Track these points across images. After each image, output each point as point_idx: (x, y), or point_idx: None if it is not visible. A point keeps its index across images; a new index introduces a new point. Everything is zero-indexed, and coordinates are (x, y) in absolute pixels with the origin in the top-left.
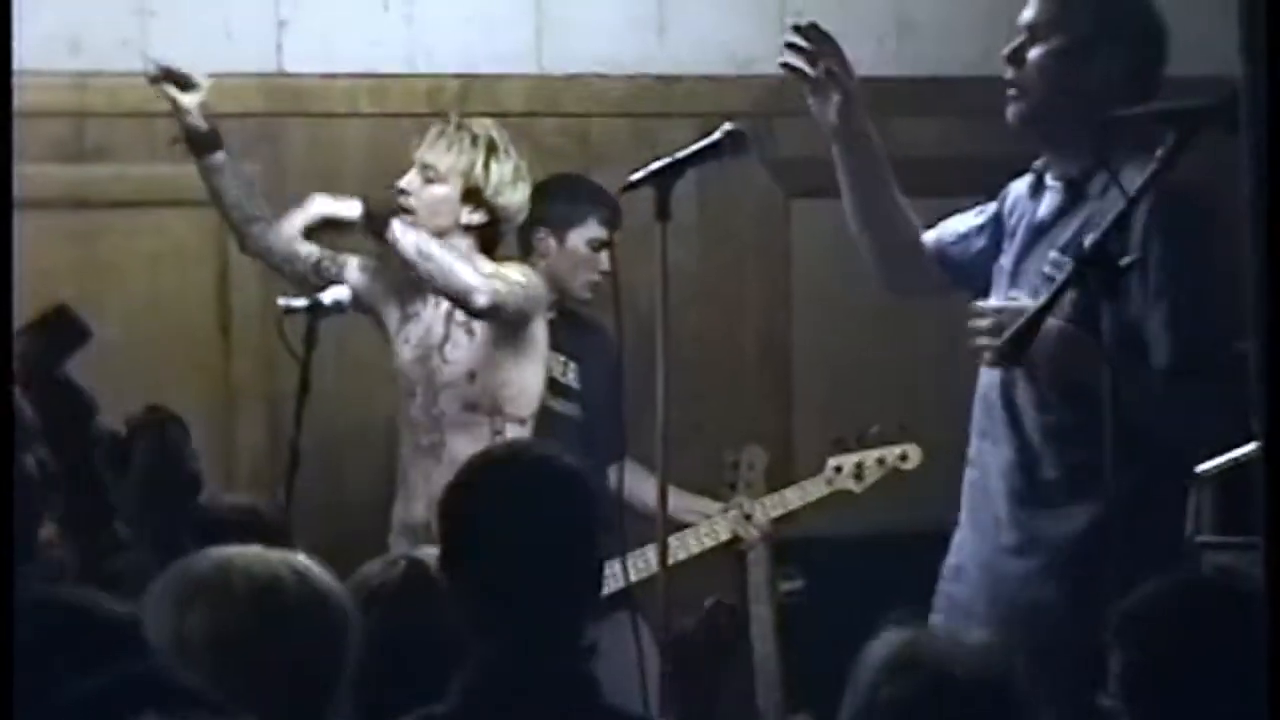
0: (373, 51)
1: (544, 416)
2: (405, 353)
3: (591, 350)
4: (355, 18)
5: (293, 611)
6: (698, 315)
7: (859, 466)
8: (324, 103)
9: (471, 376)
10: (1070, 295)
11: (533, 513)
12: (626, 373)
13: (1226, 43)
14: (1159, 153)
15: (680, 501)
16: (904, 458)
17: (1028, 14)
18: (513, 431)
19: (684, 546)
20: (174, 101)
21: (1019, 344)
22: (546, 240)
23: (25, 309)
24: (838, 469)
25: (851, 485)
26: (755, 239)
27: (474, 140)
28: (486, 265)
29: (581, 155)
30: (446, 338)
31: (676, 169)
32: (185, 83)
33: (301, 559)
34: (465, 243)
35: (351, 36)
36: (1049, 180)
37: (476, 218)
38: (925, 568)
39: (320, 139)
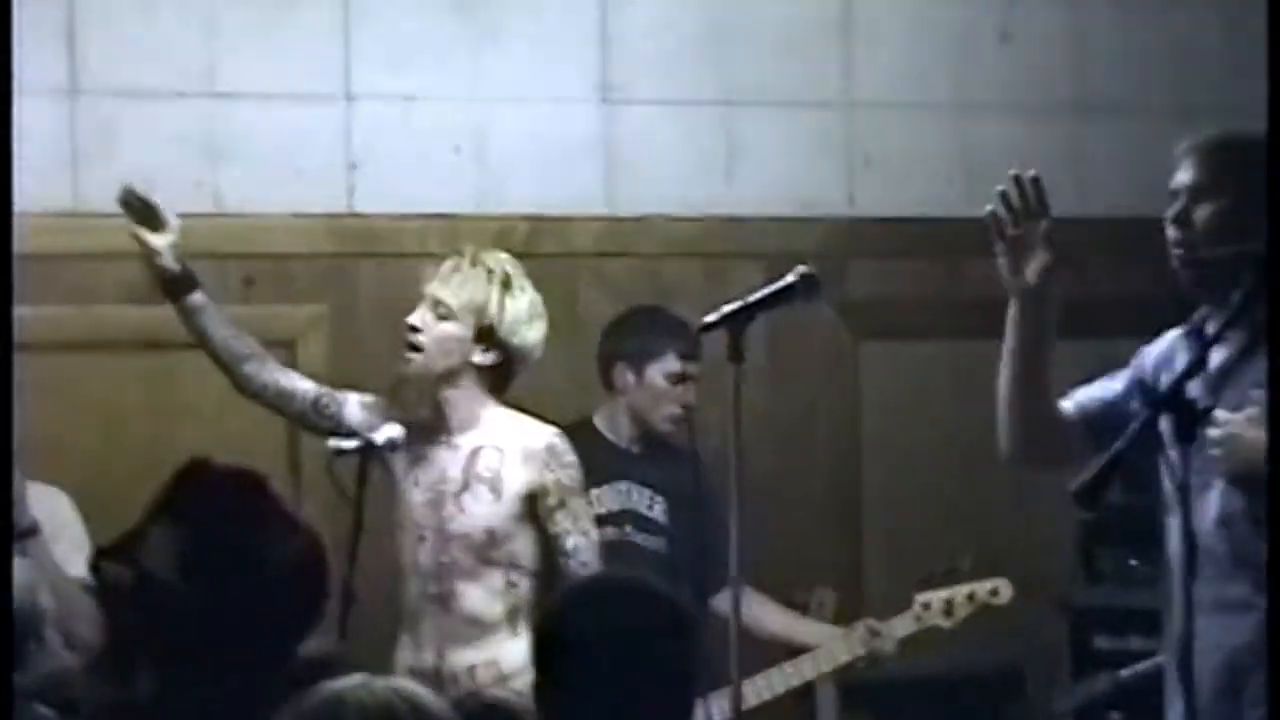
0: (443, 192)
1: (629, 550)
2: (415, 496)
3: (679, 484)
4: (426, 159)
5: None
6: (770, 455)
7: (948, 603)
8: (394, 243)
9: (490, 534)
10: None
11: (631, 643)
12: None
13: None
14: (1235, 295)
15: (800, 625)
16: (994, 593)
17: (1187, 175)
18: (526, 584)
19: (799, 673)
20: (144, 243)
21: (1098, 488)
22: (625, 375)
23: (101, 450)
24: (926, 605)
25: (941, 621)
26: (825, 380)
27: (489, 275)
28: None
29: (652, 295)
30: (466, 487)
31: (750, 310)
32: (155, 221)
33: (408, 684)
34: (477, 383)
35: (422, 177)
36: (1209, 330)
37: (489, 358)
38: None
39: (390, 279)
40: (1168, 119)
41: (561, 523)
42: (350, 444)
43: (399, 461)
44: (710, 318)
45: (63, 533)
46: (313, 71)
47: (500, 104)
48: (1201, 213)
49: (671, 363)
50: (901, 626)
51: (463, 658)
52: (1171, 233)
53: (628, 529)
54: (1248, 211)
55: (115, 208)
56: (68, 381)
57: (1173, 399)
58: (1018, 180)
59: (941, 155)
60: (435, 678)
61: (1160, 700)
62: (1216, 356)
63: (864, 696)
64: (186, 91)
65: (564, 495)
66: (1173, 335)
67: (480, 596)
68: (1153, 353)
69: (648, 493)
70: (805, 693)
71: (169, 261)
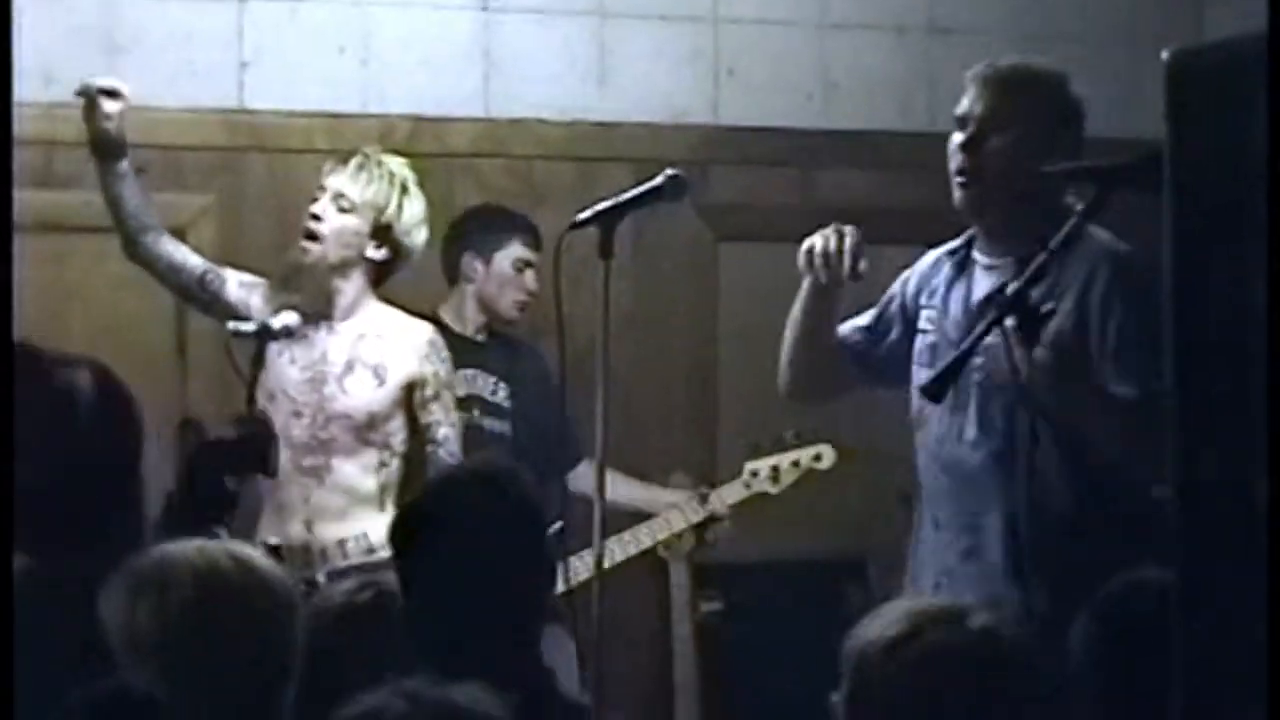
0: (329, 92)
1: (475, 434)
2: (290, 372)
3: (522, 371)
4: (314, 59)
5: (234, 598)
6: (633, 346)
7: (775, 469)
8: (282, 139)
9: (371, 416)
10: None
11: (491, 530)
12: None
13: (1145, 106)
14: (1079, 207)
15: (642, 493)
16: (818, 458)
17: (972, 105)
18: (395, 465)
19: (636, 540)
20: (98, 107)
21: (943, 383)
22: (474, 264)
23: None
24: (754, 473)
25: (769, 487)
26: (686, 277)
27: (390, 177)
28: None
29: (526, 195)
30: (349, 370)
31: (620, 209)
32: (112, 93)
33: (243, 547)
34: (365, 275)
35: (310, 77)
36: (980, 259)
37: (381, 253)
38: (842, 595)
39: (277, 173)
40: (1017, 41)
41: (435, 413)
42: (248, 327)
43: (278, 342)
44: (582, 215)
45: None
46: None
47: (385, 8)
48: (992, 142)
49: (518, 249)
50: (731, 493)
51: (333, 530)
52: (958, 159)
53: (475, 413)
54: (1034, 142)
55: (15, 95)
56: None
57: (1016, 301)
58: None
59: (802, 70)
60: (304, 551)
61: None
62: (980, 285)
63: (715, 577)
64: None
65: (439, 388)
66: (934, 256)
67: (354, 472)
68: (914, 274)
69: (492, 379)
70: (661, 573)
71: (114, 125)
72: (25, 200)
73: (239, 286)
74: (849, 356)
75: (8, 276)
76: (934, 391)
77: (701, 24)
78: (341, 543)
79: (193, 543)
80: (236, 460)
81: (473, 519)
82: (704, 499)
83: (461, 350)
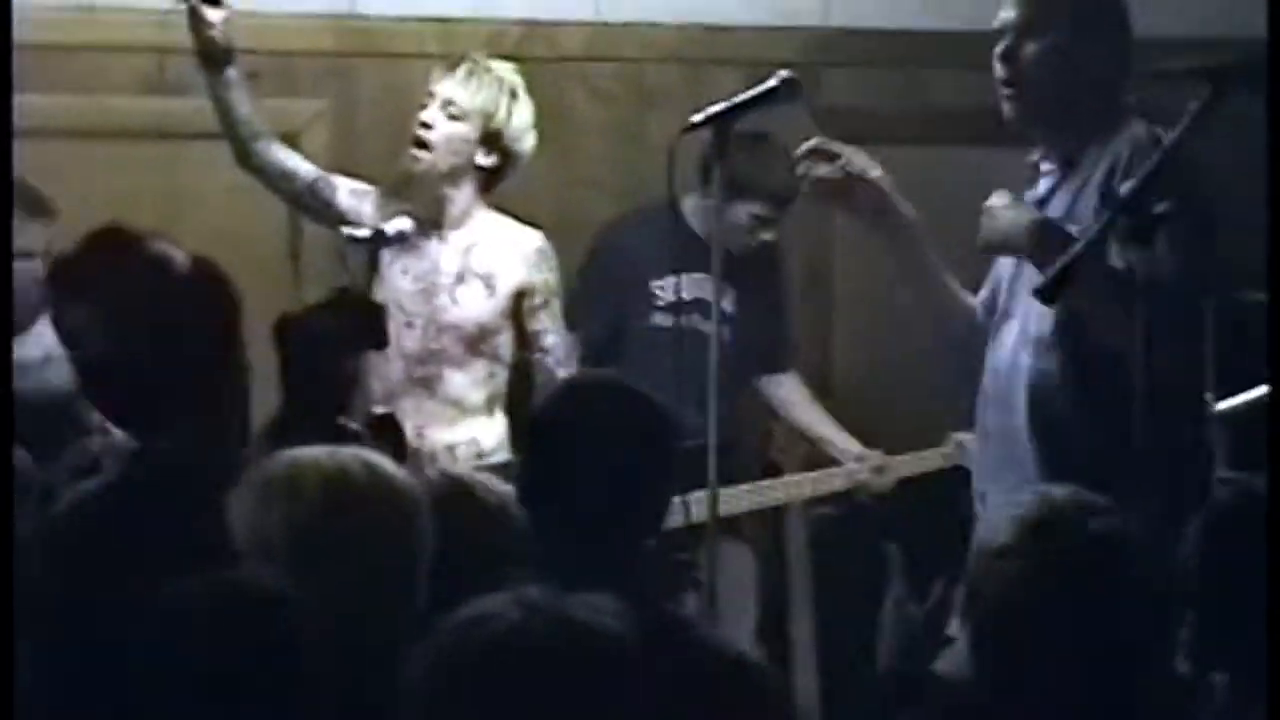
0: None
1: (696, 338)
2: (403, 283)
3: (747, 277)
4: None
5: (363, 503)
6: None
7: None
8: (393, 44)
9: (481, 327)
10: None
11: (612, 436)
12: None
13: (1250, 7)
14: (1192, 106)
15: (827, 431)
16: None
17: (1010, 14)
18: (502, 375)
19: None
20: (201, 14)
21: (1060, 283)
22: (711, 199)
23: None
24: (959, 444)
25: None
26: None
27: (499, 83)
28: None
29: (636, 100)
30: (461, 280)
31: (735, 112)
32: (215, 1)
33: (370, 454)
34: (474, 183)
35: None
36: (1044, 166)
37: (490, 160)
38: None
39: (388, 79)
40: None
41: (543, 321)
42: (362, 233)
43: (385, 250)
44: (696, 118)
45: None
46: None
47: None
48: (1029, 49)
49: (758, 206)
50: (913, 465)
51: (443, 436)
52: (999, 69)
53: (696, 317)
54: (1073, 46)
55: (127, 2)
56: (82, 168)
57: (1132, 201)
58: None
59: None
60: (414, 456)
61: None
62: (1041, 189)
63: (829, 527)
64: None
65: (548, 296)
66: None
67: (464, 383)
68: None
69: (733, 292)
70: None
71: (219, 33)
72: (137, 107)
73: (350, 194)
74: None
75: (8, 276)
76: (1049, 293)
77: None
78: (451, 448)
79: (323, 449)
80: (347, 332)
81: (598, 425)
82: (879, 470)
83: (695, 250)
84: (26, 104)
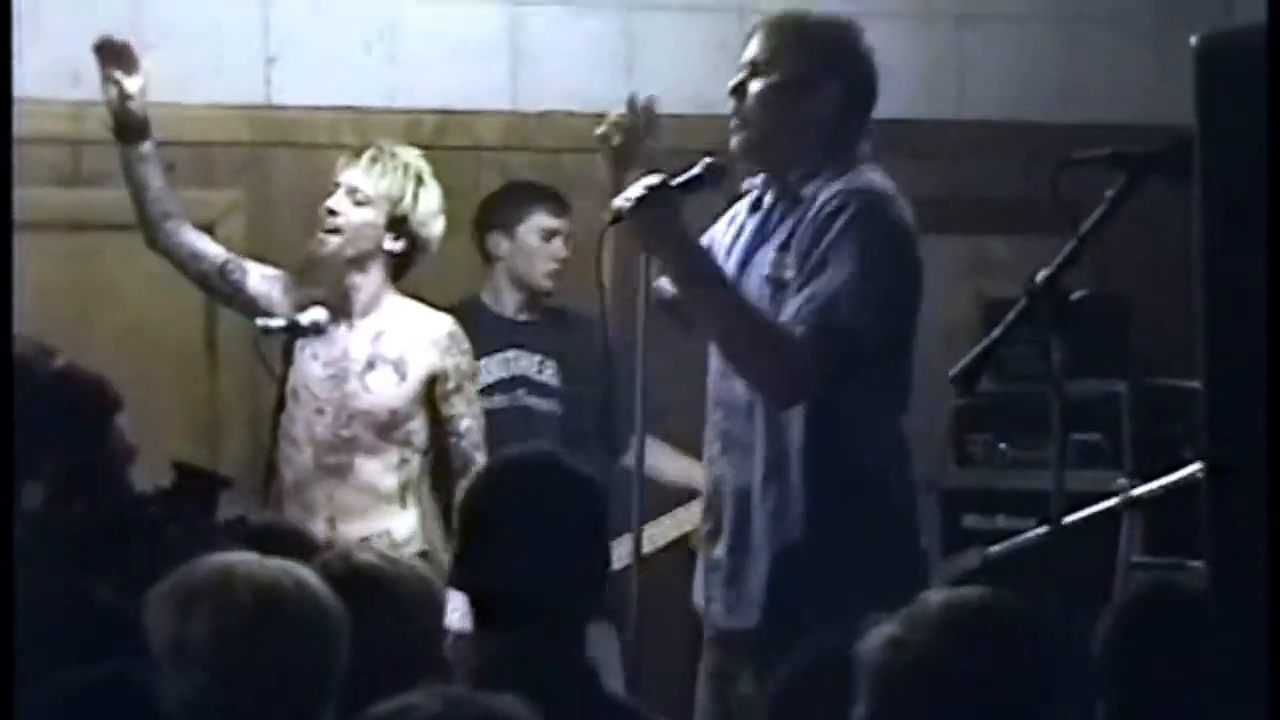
0: (356, 86)
1: (521, 415)
2: (313, 369)
3: (575, 345)
4: (340, 55)
5: (293, 618)
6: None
7: None
8: (308, 134)
9: (393, 413)
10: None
11: (548, 516)
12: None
13: (1177, 95)
14: (1109, 193)
15: (694, 470)
16: None
17: (749, 52)
18: (416, 461)
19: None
20: (118, 84)
21: (971, 374)
22: (500, 241)
23: (25, 326)
24: None
25: None
26: None
27: (405, 170)
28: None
29: (556, 188)
30: (371, 367)
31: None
32: (129, 65)
33: (299, 568)
34: (383, 268)
35: (336, 72)
36: (766, 199)
37: (398, 246)
38: None
39: (303, 168)
40: (1046, 26)
41: (457, 406)
42: (277, 323)
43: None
44: (620, 204)
45: None
46: None
47: (412, 2)
48: (755, 85)
49: (542, 219)
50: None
51: (356, 528)
52: (731, 103)
53: (519, 393)
54: (794, 86)
55: (43, 94)
56: None
57: (1047, 289)
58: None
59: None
60: (327, 547)
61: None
62: (751, 223)
63: None
64: None
65: (460, 380)
66: (741, 205)
67: (376, 470)
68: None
69: (537, 358)
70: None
71: (136, 105)
72: (54, 198)
73: (260, 279)
74: None
75: (8, 276)
76: (965, 382)
77: (728, 14)
78: (364, 540)
79: (249, 557)
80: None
81: (526, 505)
82: None
83: (501, 331)
84: None
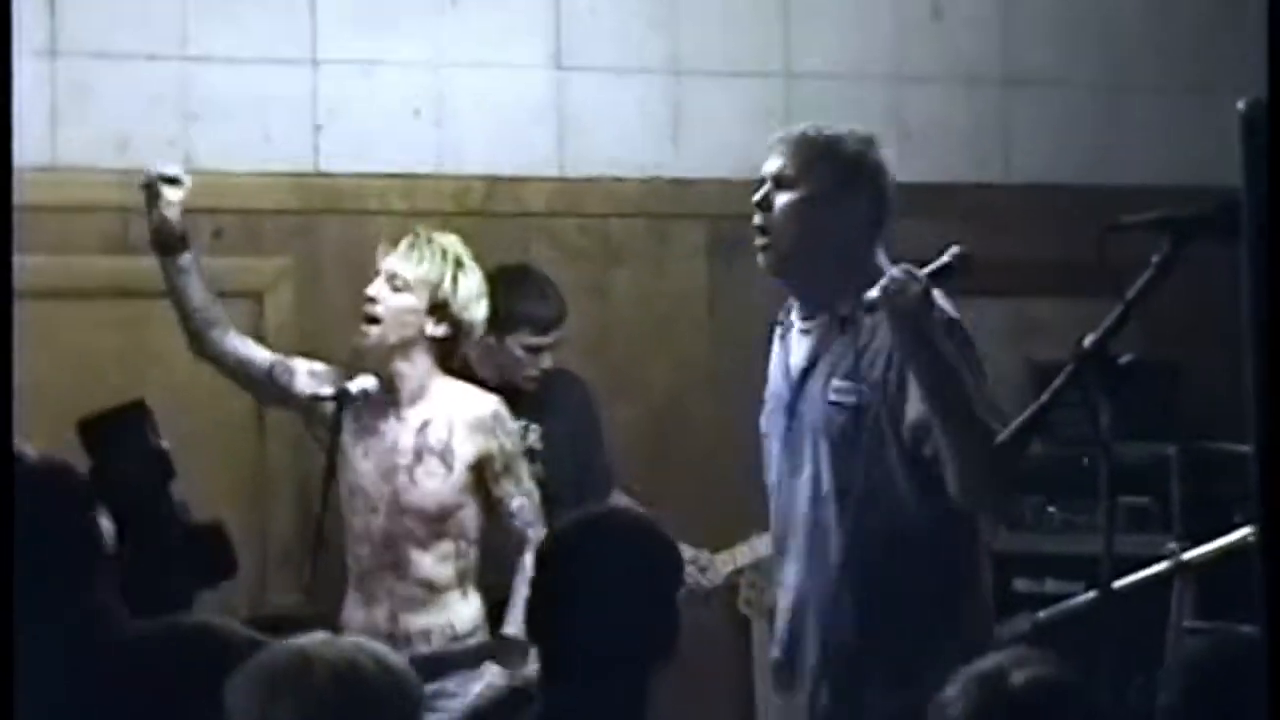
0: (404, 154)
1: None
2: (364, 465)
3: (557, 402)
4: (388, 122)
5: (374, 695)
6: (711, 406)
7: None
8: (358, 201)
9: (441, 507)
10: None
11: (625, 573)
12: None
13: (1224, 155)
14: (1155, 257)
15: None
16: None
17: (773, 165)
18: (471, 552)
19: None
20: (159, 193)
21: (1020, 441)
22: (487, 339)
23: (76, 395)
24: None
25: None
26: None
27: (443, 254)
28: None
29: (601, 253)
30: (419, 460)
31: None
32: (174, 180)
33: (371, 642)
34: (428, 354)
35: (384, 139)
36: (798, 324)
37: (440, 330)
38: None
39: (352, 235)
40: (1090, 92)
41: (505, 486)
42: (326, 391)
43: (348, 430)
44: (873, 293)
45: None
46: (281, 36)
47: (459, 69)
48: (782, 198)
49: (527, 336)
50: (727, 562)
51: (416, 621)
52: (756, 217)
53: None
54: (820, 201)
55: (91, 162)
56: (46, 329)
57: (1095, 353)
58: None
59: (875, 123)
60: (389, 639)
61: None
62: (798, 352)
63: None
64: (160, 54)
65: (508, 460)
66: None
67: (432, 563)
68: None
69: (520, 424)
70: (744, 629)
71: (175, 216)
72: (102, 266)
73: (309, 376)
74: None
75: (8, 274)
76: (1012, 448)
77: (773, 79)
78: (426, 632)
79: (321, 638)
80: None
81: (603, 561)
82: (702, 568)
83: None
84: None
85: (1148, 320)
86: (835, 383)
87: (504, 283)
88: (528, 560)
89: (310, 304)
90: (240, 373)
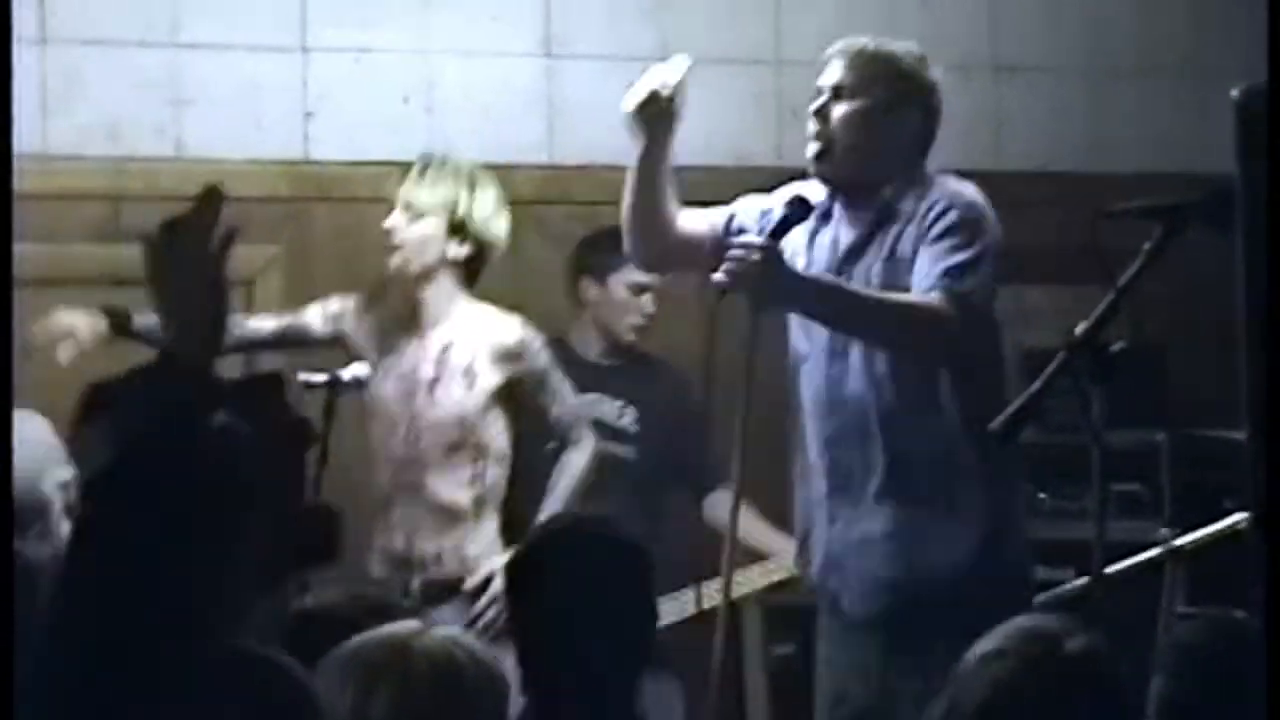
0: (394, 141)
1: (600, 462)
2: (386, 387)
3: (654, 392)
4: (378, 109)
5: (470, 689)
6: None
7: None
8: (347, 189)
9: (461, 422)
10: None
11: (593, 580)
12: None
13: (1215, 142)
14: (1147, 245)
15: (760, 534)
16: None
17: (832, 77)
18: (494, 472)
19: (749, 581)
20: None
21: (1013, 426)
22: (590, 287)
23: (66, 376)
24: None
25: None
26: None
27: (457, 173)
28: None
29: None
30: (437, 380)
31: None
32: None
33: (465, 636)
34: (451, 278)
35: (374, 126)
36: (841, 213)
37: (463, 251)
38: None
39: (344, 223)
40: (1080, 78)
41: (541, 401)
42: (318, 378)
43: (370, 352)
44: (719, 277)
45: (48, 452)
46: (271, 24)
47: (448, 56)
48: (841, 108)
49: (632, 273)
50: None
51: (430, 544)
52: (811, 125)
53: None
54: (881, 110)
55: (82, 150)
56: (38, 315)
57: (1086, 342)
58: None
59: None
60: (405, 562)
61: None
62: (845, 235)
63: (787, 620)
64: (151, 41)
65: (539, 379)
66: (759, 202)
67: (447, 486)
68: (739, 214)
69: (617, 404)
70: (733, 615)
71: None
72: (93, 255)
73: (325, 319)
74: (691, 242)
75: (7, 273)
76: (1005, 435)
77: (764, 66)
78: (438, 555)
79: (415, 626)
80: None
81: (575, 570)
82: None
83: (584, 374)
84: None
85: (1138, 307)
86: (875, 266)
87: (599, 240)
88: (573, 458)
89: (299, 291)
90: (260, 349)
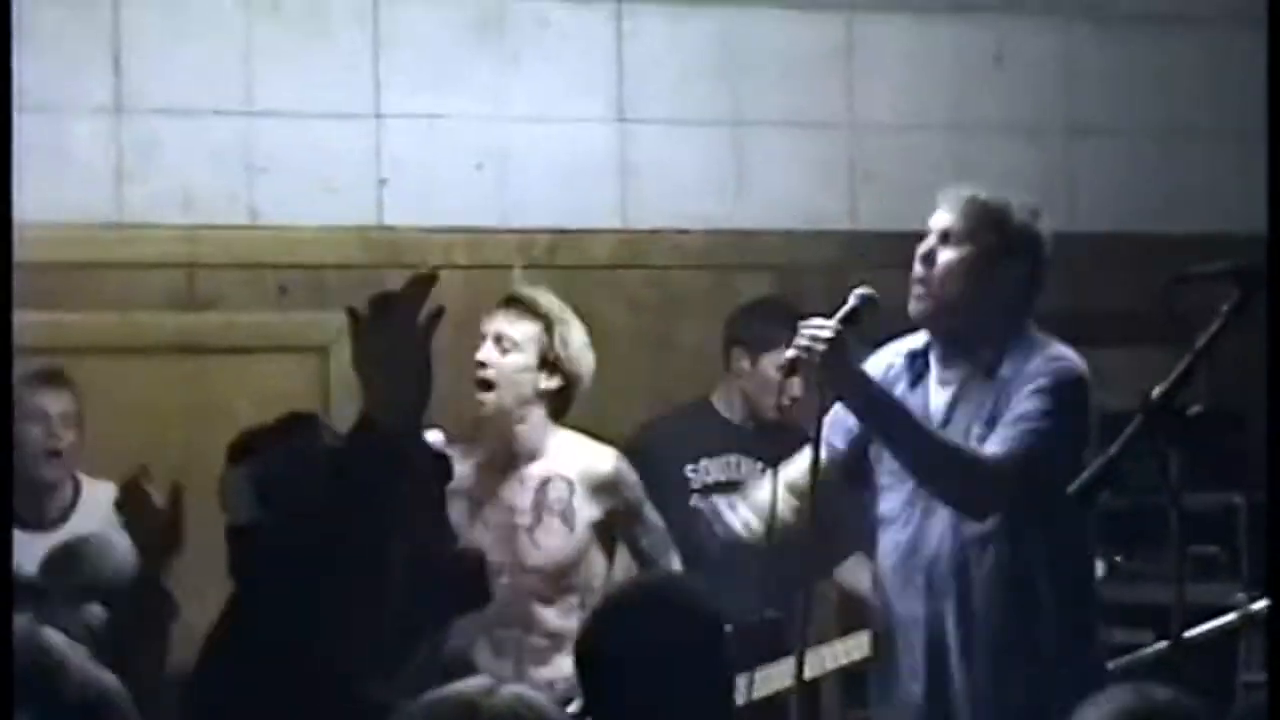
0: (468, 207)
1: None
2: (484, 534)
3: (790, 458)
4: (451, 175)
5: None
6: None
7: None
8: (421, 254)
9: (563, 566)
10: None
11: (664, 646)
12: None
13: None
14: (1225, 307)
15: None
16: None
17: (942, 221)
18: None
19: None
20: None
21: (1091, 490)
22: (742, 360)
23: (139, 451)
24: None
25: None
26: None
27: (545, 308)
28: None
29: (664, 305)
30: (538, 521)
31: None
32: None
33: (529, 692)
34: (542, 412)
35: (447, 192)
36: (937, 372)
37: (553, 383)
38: None
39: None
40: (1152, 139)
41: (633, 532)
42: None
43: (461, 502)
44: (791, 352)
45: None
46: (344, 92)
47: (521, 123)
48: (947, 254)
49: (783, 352)
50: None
51: (541, 673)
52: (917, 268)
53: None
54: (987, 261)
55: (156, 218)
56: (112, 383)
57: (1164, 404)
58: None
59: (937, 172)
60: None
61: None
62: (938, 396)
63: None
64: (224, 110)
65: (632, 511)
66: (884, 359)
67: (555, 616)
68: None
69: (758, 465)
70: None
71: None
72: (167, 322)
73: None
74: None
75: (7, 272)
76: (1084, 498)
77: (836, 129)
78: (551, 684)
79: (483, 684)
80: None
81: (644, 637)
82: None
83: (726, 435)
84: (60, 322)
85: (1215, 369)
86: (976, 430)
87: (758, 310)
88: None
89: None
90: None
